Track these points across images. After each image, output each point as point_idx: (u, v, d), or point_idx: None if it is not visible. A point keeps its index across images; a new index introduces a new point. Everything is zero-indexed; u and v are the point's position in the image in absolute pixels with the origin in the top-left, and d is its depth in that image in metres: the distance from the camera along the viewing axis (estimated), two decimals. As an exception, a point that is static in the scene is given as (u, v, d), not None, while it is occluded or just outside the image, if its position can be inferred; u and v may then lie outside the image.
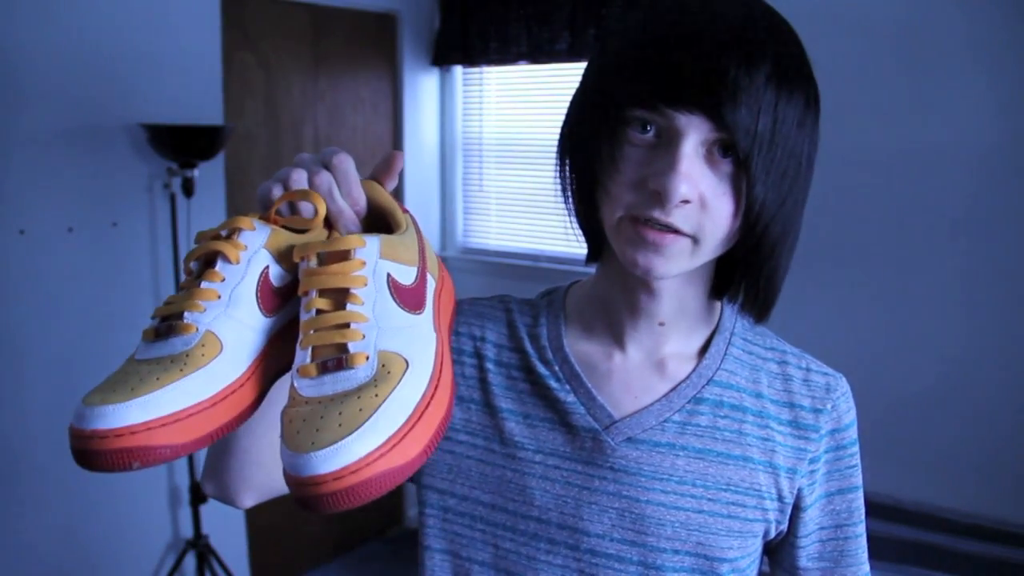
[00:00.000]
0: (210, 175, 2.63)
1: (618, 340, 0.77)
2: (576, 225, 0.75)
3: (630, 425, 0.74)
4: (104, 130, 2.42)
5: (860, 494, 0.79)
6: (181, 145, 2.43)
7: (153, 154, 2.46)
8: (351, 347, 0.53)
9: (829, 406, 0.76)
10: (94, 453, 0.49)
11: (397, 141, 3.36)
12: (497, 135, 3.41)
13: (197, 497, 2.59)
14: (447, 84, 3.50)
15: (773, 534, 0.78)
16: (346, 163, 0.63)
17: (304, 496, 0.48)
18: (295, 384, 0.53)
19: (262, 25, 2.86)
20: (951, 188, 2.33)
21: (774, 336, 0.81)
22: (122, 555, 2.59)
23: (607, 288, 0.77)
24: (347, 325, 0.54)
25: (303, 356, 0.54)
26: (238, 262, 0.56)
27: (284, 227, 0.60)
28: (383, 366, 0.53)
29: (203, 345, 0.53)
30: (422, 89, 3.42)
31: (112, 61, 2.40)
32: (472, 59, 3.27)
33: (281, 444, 0.51)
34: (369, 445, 0.48)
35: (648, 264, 0.65)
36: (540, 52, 3.07)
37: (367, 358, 0.52)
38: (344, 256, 0.56)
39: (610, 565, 0.73)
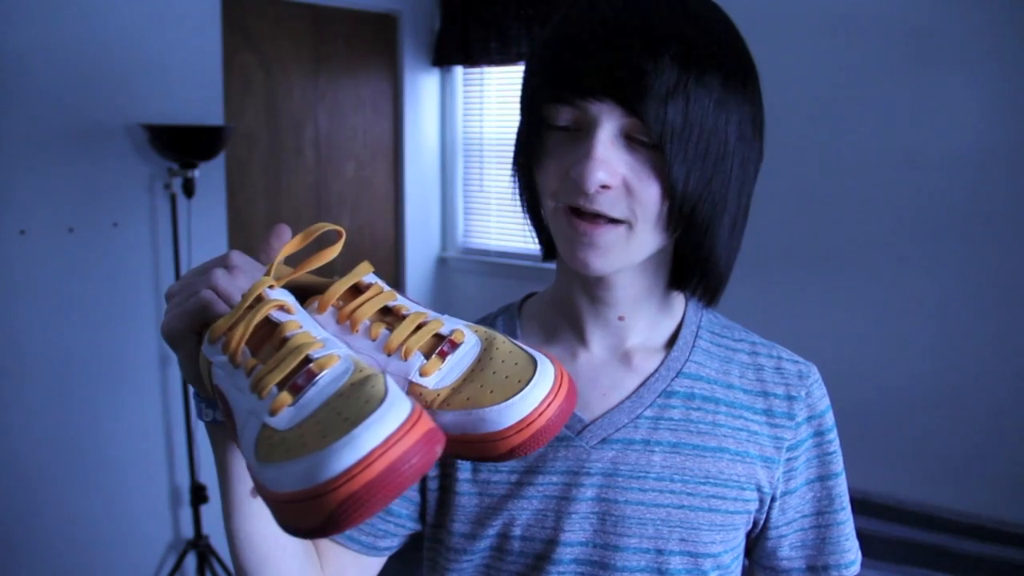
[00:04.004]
0: (211, 175, 2.64)
1: (581, 338, 0.77)
2: (531, 226, 0.77)
3: (603, 426, 0.73)
4: (105, 130, 2.42)
5: (840, 481, 0.78)
6: (182, 145, 2.43)
7: (154, 154, 2.47)
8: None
9: (803, 393, 0.76)
10: (350, 499, 0.39)
11: (397, 141, 3.37)
12: (497, 135, 3.41)
13: (198, 497, 2.59)
14: (447, 84, 3.50)
15: (753, 526, 0.77)
16: (236, 257, 0.58)
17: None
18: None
19: (263, 26, 2.87)
20: (937, 189, 2.32)
21: (742, 329, 0.81)
22: (123, 555, 2.59)
23: (566, 286, 0.77)
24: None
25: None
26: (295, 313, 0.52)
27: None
28: (355, 363, 0.48)
29: (357, 365, 0.47)
30: (422, 89, 3.42)
31: (113, 62, 2.41)
32: (472, 59, 3.27)
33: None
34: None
35: (585, 258, 0.66)
36: (540, 52, 3.08)
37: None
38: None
39: (595, 573, 0.72)
